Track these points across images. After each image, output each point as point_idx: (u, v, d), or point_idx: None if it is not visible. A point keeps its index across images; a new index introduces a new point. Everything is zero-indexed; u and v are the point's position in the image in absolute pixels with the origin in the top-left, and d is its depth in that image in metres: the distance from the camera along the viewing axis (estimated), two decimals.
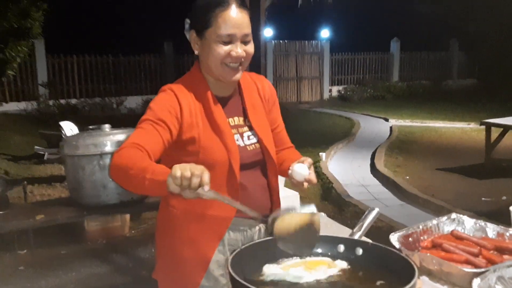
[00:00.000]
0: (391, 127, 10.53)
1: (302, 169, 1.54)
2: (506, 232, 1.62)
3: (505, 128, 6.56)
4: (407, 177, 6.36)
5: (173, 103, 1.53)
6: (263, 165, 1.66)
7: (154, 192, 1.33)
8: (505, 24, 15.21)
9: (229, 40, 1.51)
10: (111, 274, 3.80)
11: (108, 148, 2.18)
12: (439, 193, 5.68)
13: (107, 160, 2.18)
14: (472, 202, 5.33)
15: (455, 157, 7.55)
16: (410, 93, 16.01)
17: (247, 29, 1.53)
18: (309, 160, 1.60)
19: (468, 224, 1.72)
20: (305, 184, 1.56)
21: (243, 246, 1.22)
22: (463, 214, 1.78)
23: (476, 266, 1.41)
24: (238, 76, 1.59)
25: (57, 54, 12.88)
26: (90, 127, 2.66)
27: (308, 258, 1.29)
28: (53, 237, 4.20)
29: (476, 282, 1.29)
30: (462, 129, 10.33)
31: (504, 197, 5.44)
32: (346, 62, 16.81)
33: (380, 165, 7.00)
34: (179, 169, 1.19)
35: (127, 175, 1.33)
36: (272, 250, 1.26)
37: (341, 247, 1.30)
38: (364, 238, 1.46)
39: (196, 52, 1.60)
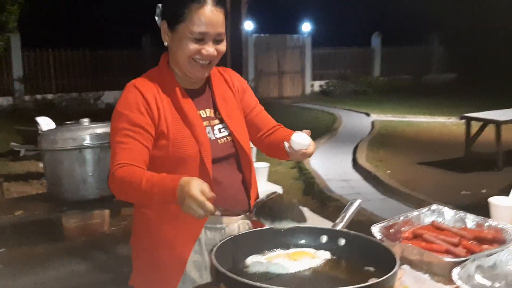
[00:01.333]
0: (372, 122, 10.62)
1: (301, 138, 1.48)
2: (485, 222, 1.64)
3: (485, 122, 6.66)
4: (389, 172, 6.42)
5: (139, 100, 1.50)
6: (237, 158, 1.62)
7: (162, 202, 1.38)
8: (484, 18, 15.45)
9: (202, 37, 1.48)
10: (91, 271, 3.75)
11: (87, 142, 2.14)
12: (420, 186, 5.75)
13: (86, 154, 2.14)
14: (452, 195, 5.40)
15: (436, 151, 7.64)
16: (391, 88, 16.16)
17: (221, 28, 1.50)
18: (306, 130, 1.54)
19: (448, 215, 1.74)
20: (309, 149, 1.50)
21: (226, 239, 1.21)
22: (434, 204, 1.80)
23: (456, 256, 1.42)
24: (206, 73, 1.57)
25: (33, 48, 12.63)
26: (67, 122, 2.62)
27: (291, 250, 1.28)
28: (31, 235, 4.12)
29: (456, 271, 1.30)
30: (443, 123, 10.47)
31: (483, 190, 5.52)
32: (328, 56, 16.89)
33: (362, 160, 7.05)
34: (187, 208, 1.24)
35: (132, 194, 1.40)
36: (255, 241, 1.26)
37: (324, 238, 1.30)
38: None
39: (165, 44, 1.56)
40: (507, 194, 1.85)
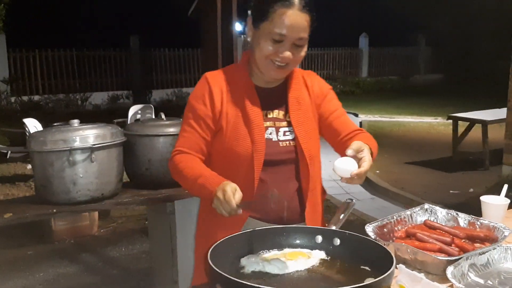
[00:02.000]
0: (360, 122, 10.67)
1: (345, 164, 1.32)
2: (477, 221, 1.65)
3: (472, 122, 6.73)
4: (377, 171, 6.45)
5: (205, 92, 1.57)
6: (297, 165, 1.57)
7: (201, 195, 1.52)
8: (469, 20, 15.63)
9: (281, 39, 1.46)
10: (80, 274, 3.72)
11: (78, 143, 2.11)
12: (409, 186, 5.79)
13: (76, 156, 2.11)
14: (440, 195, 5.45)
15: (424, 151, 7.70)
16: (379, 88, 16.26)
17: (303, 33, 1.48)
18: (363, 148, 1.36)
19: (440, 214, 1.75)
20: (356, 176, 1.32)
21: (222, 240, 1.20)
22: (426, 203, 1.81)
23: (449, 255, 1.43)
24: (281, 75, 1.55)
25: (19, 48, 12.34)
26: (55, 124, 2.58)
27: (287, 250, 1.28)
28: (19, 238, 4.08)
29: (450, 269, 1.31)
30: (430, 123, 10.56)
31: (471, 189, 5.58)
32: (316, 57, 16.93)
33: None
34: (215, 206, 1.35)
35: (181, 179, 1.54)
36: (251, 242, 1.25)
37: (319, 238, 1.30)
38: None
39: (248, 39, 1.57)
40: (494, 192, 1.86)
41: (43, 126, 4.50)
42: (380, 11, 17.81)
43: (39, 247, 4.11)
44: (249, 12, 1.56)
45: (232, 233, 1.33)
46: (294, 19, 1.44)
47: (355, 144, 1.36)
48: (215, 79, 1.59)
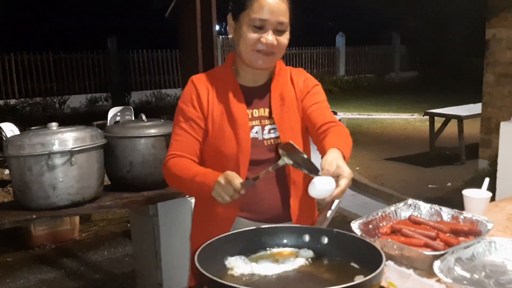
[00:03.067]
0: (339, 120, 10.72)
1: (322, 184, 1.25)
2: (460, 215, 1.67)
3: (447, 118, 6.85)
4: (357, 168, 6.51)
5: (193, 94, 1.58)
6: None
7: (201, 194, 1.48)
8: (442, 18, 15.91)
9: (261, 25, 1.46)
10: (62, 279, 3.66)
11: (56, 147, 2.06)
12: (388, 182, 5.86)
13: (56, 160, 2.06)
14: (419, 189, 5.53)
15: (401, 147, 7.81)
16: (356, 87, 16.42)
17: (283, 17, 1.47)
18: (334, 162, 1.29)
19: (424, 209, 1.76)
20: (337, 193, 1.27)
21: (210, 241, 1.18)
22: (409, 199, 1.83)
23: (434, 249, 1.45)
24: (267, 63, 1.53)
25: None
26: (33, 127, 2.53)
27: (274, 249, 1.27)
28: None
29: (436, 264, 1.33)
30: (406, 120, 10.71)
31: (449, 183, 5.68)
32: (293, 56, 17.00)
33: None
34: (216, 188, 1.36)
35: (178, 183, 1.54)
36: (238, 243, 1.24)
37: (307, 237, 1.30)
38: None
39: (230, 36, 1.57)
40: (471, 186, 1.89)
41: (20, 130, 4.40)
42: (356, 11, 17.98)
43: (19, 253, 4.03)
44: (229, 8, 1.56)
45: (222, 232, 1.32)
46: (272, 2, 1.46)
47: (325, 162, 1.30)
48: (201, 81, 1.60)
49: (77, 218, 4.33)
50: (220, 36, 15.24)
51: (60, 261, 3.93)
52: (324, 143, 1.46)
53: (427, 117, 7.07)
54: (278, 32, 1.48)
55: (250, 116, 1.56)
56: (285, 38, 1.51)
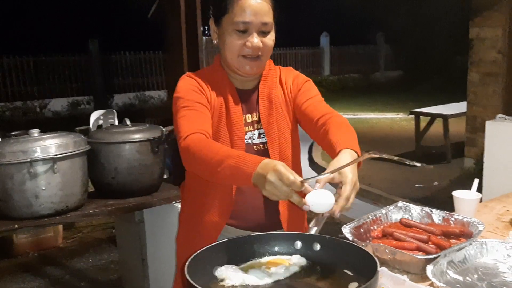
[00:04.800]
0: None
1: (320, 198, 1.20)
2: (451, 217, 1.66)
3: (432, 117, 6.91)
4: None
5: (194, 85, 1.48)
6: None
7: (232, 180, 1.30)
8: (425, 17, 16.07)
9: (245, 28, 1.40)
10: None
11: (38, 154, 2.00)
12: (375, 182, 5.87)
13: (38, 168, 2.00)
14: (407, 189, 5.55)
15: (387, 147, 7.84)
16: (341, 87, 16.49)
17: (267, 18, 1.42)
18: (345, 184, 1.23)
19: (414, 212, 1.75)
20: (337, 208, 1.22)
21: (199, 251, 1.15)
22: (400, 201, 1.82)
23: (427, 253, 1.43)
24: (255, 69, 1.47)
25: None
26: (13, 132, 2.46)
27: (265, 258, 1.24)
28: None
29: (429, 268, 1.31)
30: (392, 119, 10.78)
31: (435, 183, 5.71)
32: (278, 57, 17.00)
33: (317, 158, 7.12)
34: (268, 185, 1.17)
35: (201, 163, 1.31)
36: (229, 252, 1.20)
37: (298, 244, 1.26)
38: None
39: (214, 42, 1.50)
40: (458, 185, 1.89)
41: (0, 136, 4.31)
42: (340, 10, 18.05)
43: (1, 262, 3.94)
44: (210, 13, 1.51)
45: (209, 240, 1.27)
46: (254, 3, 1.40)
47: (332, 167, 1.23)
48: (199, 78, 1.52)
49: (60, 225, 4.25)
50: (204, 37, 15.18)
51: (43, 269, 3.85)
52: (329, 141, 1.38)
53: (413, 116, 7.11)
54: (262, 33, 1.44)
55: (244, 121, 1.52)
56: (270, 40, 1.47)
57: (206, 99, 1.47)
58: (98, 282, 3.65)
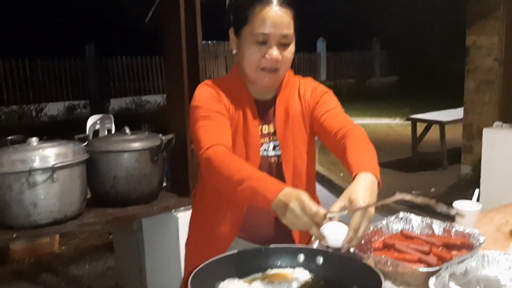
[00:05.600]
0: None
1: (334, 232, 1.17)
2: (452, 228, 1.66)
3: (429, 123, 6.92)
4: (341, 174, 6.52)
5: (212, 94, 1.46)
6: (283, 181, 1.42)
7: (251, 201, 1.26)
8: (422, 23, 16.16)
9: (265, 40, 1.39)
10: None
11: (37, 163, 1.99)
12: None
13: (37, 177, 1.99)
14: None
15: (384, 152, 7.83)
16: (337, 92, 16.13)
17: (287, 30, 1.41)
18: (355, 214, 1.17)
19: (415, 222, 1.74)
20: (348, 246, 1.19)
21: (202, 265, 1.14)
22: (398, 209, 1.81)
23: (428, 265, 1.43)
24: (273, 81, 1.46)
25: None
26: (10, 137, 2.44)
27: (269, 271, 1.23)
28: None
29: (432, 281, 1.30)
30: (388, 124, 10.80)
31: (432, 189, 5.72)
32: None
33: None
34: (288, 221, 1.14)
35: (222, 178, 1.29)
36: (232, 265, 1.20)
37: (301, 257, 1.26)
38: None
39: (233, 52, 1.48)
40: (455, 192, 1.89)
41: None
42: (337, 16, 18.14)
43: None
44: (230, 22, 1.50)
45: (219, 251, 1.26)
46: (275, 15, 1.39)
47: (337, 206, 1.18)
48: (217, 87, 1.50)
49: None
50: (202, 42, 15.18)
51: (39, 276, 3.83)
52: (347, 160, 1.34)
53: (409, 122, 7.13)
54: (282, 46, 1.43)
55: (260, 133, 1.51)
56: (289, 52, 1.45)
57: (224, 107, 1.46)
58: None
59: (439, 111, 7.45)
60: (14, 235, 2.00)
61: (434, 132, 6.92)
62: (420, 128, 7.02)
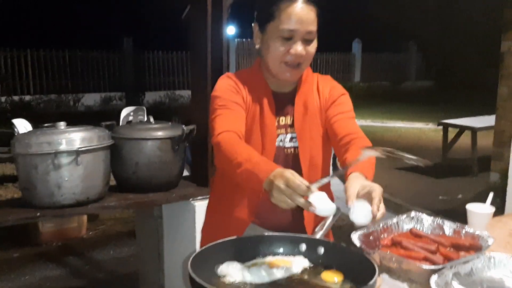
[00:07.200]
0: None
1: (361, 211, 1.24)
2: (462, 229, 1.65)
3: (461, 129, 6.78)
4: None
5: (232, 85, 1.53)
6: (299, 172, 1.44)
7: (248, 183, 1.31)
8: (459, 27, 15.77)
9: (290, 36, 1.44)
10: (66, 277, 3.69)
11: (63, 146, 2.08)
12: (398, 192, 5.81)
13: (62, 159, 2.08)
14: (429, 201, 5.47)
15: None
16: (370, 93, 16.34)
17: (311, 27, 1.46)
18: (374, 189, 1.27)
19: (426, 222, 1.74)
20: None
21: (204, 247, 1.19)
22: (422, 212, 1.81)
23: (433, 263, 1.43)
24: (295, 76, 1.52)
25: (10, 47, 12.19)
26: (45, 125, 2.55)
27: (269, 258, 1.27)
28: (5, 240, 4.04)
29: (433, 278, 1.31)
30: (421, 129, 10.62)
31: (459, 196, 5.61)
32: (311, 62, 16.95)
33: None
34: (275, 191, 1.17)
35: (227, 162, 1.36)
36: (233, 250, 1.24)
37: (303, 246, 1.29)
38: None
39: (257, 46, 1.54)
40: (481, 199, 1.87)
41: (33, 127, 4.46)
42: (373, 18, 17.92)
43: (25, 249, 4.07)
44: (254, 17, 1.54)
45: (234, 235, 1.31)
46: (301, 12, 1.43)
47: (349, 191, 1.26)
48: (237, 79, 1.57)
49: (84, 216, 4.37)
50: (236, 40, 15.28)
51: (65, 259, 3.97)
52: (345, 159, 1.43)
53: (441, 127, 7.00)
54: (306, 41, 1.47)
55: (276, 124, 1.56)
56: (313, 48, 1.50)
57: (242, 98, 1.53)
58: (116, 275, 3.74)
59: (472, 117, 7.29)
60: (38, 214, 2.09)
61: (466, 138, 6.78)
62: (452, 133, 6.89)
